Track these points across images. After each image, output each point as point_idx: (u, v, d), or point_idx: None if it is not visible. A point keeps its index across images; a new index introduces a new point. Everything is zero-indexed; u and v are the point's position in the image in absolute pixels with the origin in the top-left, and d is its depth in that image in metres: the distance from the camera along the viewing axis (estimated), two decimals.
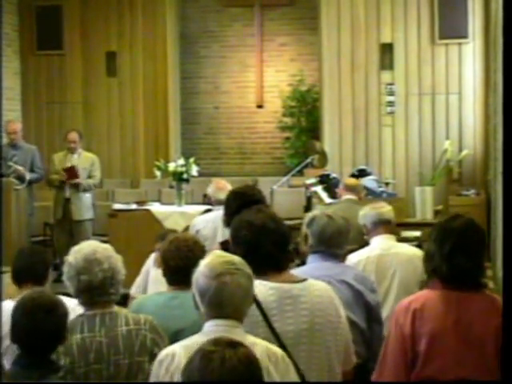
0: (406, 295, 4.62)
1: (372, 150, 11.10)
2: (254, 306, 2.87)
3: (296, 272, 3.28)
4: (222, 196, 5.12)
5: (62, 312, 2.85)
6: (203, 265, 2.65)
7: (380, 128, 11.09)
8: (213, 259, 2.67)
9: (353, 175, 9.54)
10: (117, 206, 9.18)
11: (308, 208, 8.38)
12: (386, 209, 5.04)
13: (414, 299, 2.99)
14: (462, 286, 2.93)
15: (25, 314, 2.79)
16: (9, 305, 3.33)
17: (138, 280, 5.60)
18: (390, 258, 4.77)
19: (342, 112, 11.16)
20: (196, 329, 2.70)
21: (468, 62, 10.86)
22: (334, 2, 11.11)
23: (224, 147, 13.08)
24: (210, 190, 6.32)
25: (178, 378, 2.54)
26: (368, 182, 9.31)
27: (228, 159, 13.08)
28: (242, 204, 3.84)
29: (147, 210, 8.69)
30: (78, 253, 3.09)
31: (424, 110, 11.01)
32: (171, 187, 9.89)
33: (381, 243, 4.87)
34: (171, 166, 8.76)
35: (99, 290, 3.05)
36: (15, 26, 11.84)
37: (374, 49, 11.06)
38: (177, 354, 2.58)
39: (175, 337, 3.14)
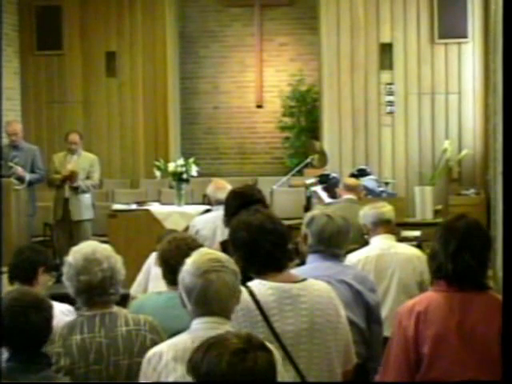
0: (404, 295, 4.64)
1: (372, 150, 11.09)
2: (253, 306, 2.87)
3: (295, 272, 3.28)
4: (222, 196, 5.12)
5: (40, 306, 2.80)
6: (189, 263, 2.65)
7: (380, 128, 11.10)
8: (198, 257, 2.67)
9: (353, 175, 9.56)
10: (116, 206, 9.18)
11: (308, 208, 8.38)
12: (386, 208, 5.04)
13: (418, 301, 2.97)
14: (466, 286, 2.92)
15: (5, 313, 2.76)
16: None
17: (139, 278, 5.59)
18: (389, 258, 4.78)
19: (341, 112, 11.16)
20: None
21: (467, 62, 10.86)
22: (333, 2, 11.12)
23: (224, 147, 13.07)
24: (209, 190, 6.29)
25: (165, 377, 2.56)
26: (368, 181, 9.33)
27: (228, 159, 13.07)
28: (242, 204, 3.85)
29: (147, 211, 8.68)
30: (77, 253, 3.09)
31: (423, 109, 11.01)
32: (171, 187, 9.88)
33: (380, 243, 4.88)
34: (171, 166, 8.76)
35: (99, 290, 3.04)
36: (15, 25, 11.82)
37: (373, 49, 11.06)
38: (164, 353, 2.59)
39: None
